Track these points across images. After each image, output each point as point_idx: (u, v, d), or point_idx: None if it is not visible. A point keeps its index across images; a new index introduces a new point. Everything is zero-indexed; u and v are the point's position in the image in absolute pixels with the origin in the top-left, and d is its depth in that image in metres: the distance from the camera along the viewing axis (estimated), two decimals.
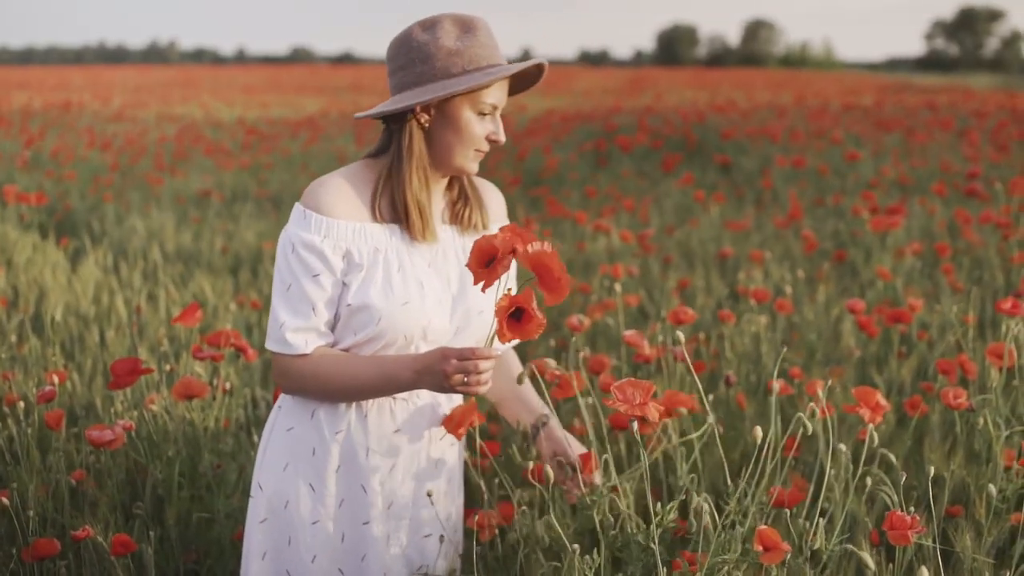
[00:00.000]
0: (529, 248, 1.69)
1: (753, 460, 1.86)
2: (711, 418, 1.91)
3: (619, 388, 1.82)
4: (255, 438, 3.06)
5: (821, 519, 1.91)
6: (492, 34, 1.94)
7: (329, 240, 1.89)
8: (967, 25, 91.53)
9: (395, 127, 1.95)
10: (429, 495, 2.04)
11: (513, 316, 1.69)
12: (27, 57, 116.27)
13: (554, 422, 2.12)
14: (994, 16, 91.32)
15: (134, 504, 2.61)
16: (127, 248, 6.36)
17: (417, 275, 1.95)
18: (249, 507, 2.07)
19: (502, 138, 1.96)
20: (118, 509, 2.64)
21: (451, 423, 1.99)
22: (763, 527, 1.78)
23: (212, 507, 2.66)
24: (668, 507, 1.83)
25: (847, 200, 7.18)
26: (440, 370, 1.80)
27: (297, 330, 1.90)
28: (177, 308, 4.72)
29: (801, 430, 1.87)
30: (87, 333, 4.50)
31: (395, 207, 1.95)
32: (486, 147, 1.96)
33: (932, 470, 2.08)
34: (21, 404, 2.79)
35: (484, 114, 1.93)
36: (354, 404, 1.99)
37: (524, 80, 2.01)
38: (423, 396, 2.04)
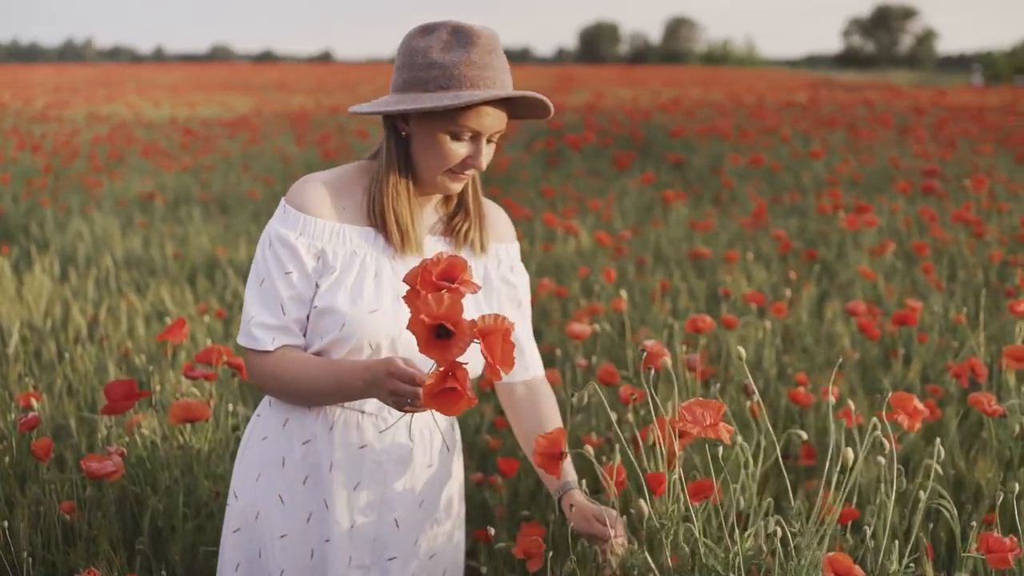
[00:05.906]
0: (480, 322, 1.47)
1: (832, 482, 1.77)
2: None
3: (687, 409, 1.72)
4: None
5: (884, 540, 1.83)
6: (493, 51, 1.79)
7: (304, 238, 1.82)
8: (882, 23, 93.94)
9: (386, 131, 1.87)
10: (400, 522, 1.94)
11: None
12: None
13: (576, 493, 1.96)
14: (908, 14, 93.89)
15: (136, 539, 2.42)
16: (74, 255, 6.08)
17: (395, 285, 1.85)
18: (226, 515, 1.99)
19: (479, 164, 1.81)
20: (116, 543, 2.45)
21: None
22: (834, 554, 1.69)
23: (215, 538, 2.49)
24: (747, 533, 1.73)
25: (806, 198, 7.19)
26: (385, 387, 1.65)
27: (263, 326, 1.83)
28: (139, 319, 4.49)
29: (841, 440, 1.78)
30: (44, 348, 4.26)
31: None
32: (463, 170, 1.83)
33: (985, 483, 2.01)
34: None
35: (460, 138, 1.80)
36: (321, 415, 1.88)
37: (527, 109, 1.88)
38: (394, 414, 1.90)
